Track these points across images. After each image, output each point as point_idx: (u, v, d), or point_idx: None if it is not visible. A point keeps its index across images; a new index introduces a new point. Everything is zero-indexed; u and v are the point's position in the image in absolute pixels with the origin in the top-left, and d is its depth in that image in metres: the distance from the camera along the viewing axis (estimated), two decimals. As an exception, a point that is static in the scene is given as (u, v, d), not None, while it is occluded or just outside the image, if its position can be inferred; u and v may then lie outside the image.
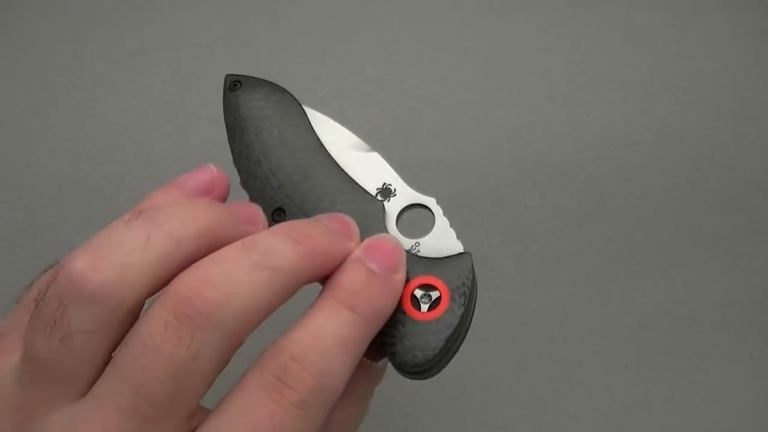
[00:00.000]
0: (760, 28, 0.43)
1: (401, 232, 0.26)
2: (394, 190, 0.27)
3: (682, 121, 0.41)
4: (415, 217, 0.26)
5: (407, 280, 0.24)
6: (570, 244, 0.40)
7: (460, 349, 0.24)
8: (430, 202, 0.26)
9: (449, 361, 0.24)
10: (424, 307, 0.24)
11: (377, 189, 0.26)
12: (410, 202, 0.26)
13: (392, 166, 0.28)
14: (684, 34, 0.43)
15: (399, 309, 0.23)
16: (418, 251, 0.25)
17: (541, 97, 0.41)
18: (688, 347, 0.39)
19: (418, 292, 0.24)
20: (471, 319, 0.25)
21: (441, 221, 0.26)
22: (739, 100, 0.42)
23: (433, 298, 0.24)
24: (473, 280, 0.24)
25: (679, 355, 0.39)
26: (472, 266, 0.24)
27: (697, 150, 0.41)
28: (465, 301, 0.24)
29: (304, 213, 0.25)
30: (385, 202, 0.26)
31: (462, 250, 0.25)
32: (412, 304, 0.24)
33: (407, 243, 0.25)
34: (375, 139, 0.41)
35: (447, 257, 0.25)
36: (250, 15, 0.42)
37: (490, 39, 0.42)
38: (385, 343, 0.24)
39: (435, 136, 0.40)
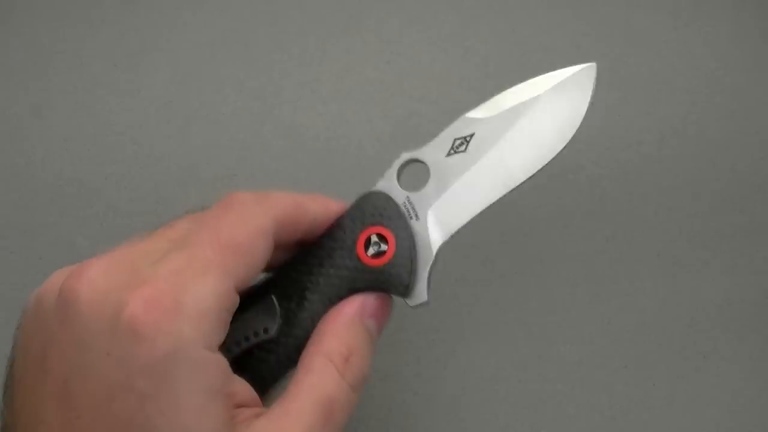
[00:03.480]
0: (760, 28, 0.43)
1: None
2: None
3: (682, 121, 0.41)
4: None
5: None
6: (570, 244, 0.40)
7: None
8: None
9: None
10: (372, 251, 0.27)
11: None
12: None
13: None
14: (684, 34, 0.43)
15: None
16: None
17: (541, 97, 0.41)
18: (688, 347, 0.39)
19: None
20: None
21: None
22: (739, 100, 0.42)
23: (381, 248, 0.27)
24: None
25: (679, 355, 0.39)
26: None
27: (697, 150, 0.41)
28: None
29: None
30: None
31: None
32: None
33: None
34: (375, 139, 0.41)
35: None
36: (250, 15, 0.42)
37: (490, 39, 0.42)
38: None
39: (435, 136, 0.40)
